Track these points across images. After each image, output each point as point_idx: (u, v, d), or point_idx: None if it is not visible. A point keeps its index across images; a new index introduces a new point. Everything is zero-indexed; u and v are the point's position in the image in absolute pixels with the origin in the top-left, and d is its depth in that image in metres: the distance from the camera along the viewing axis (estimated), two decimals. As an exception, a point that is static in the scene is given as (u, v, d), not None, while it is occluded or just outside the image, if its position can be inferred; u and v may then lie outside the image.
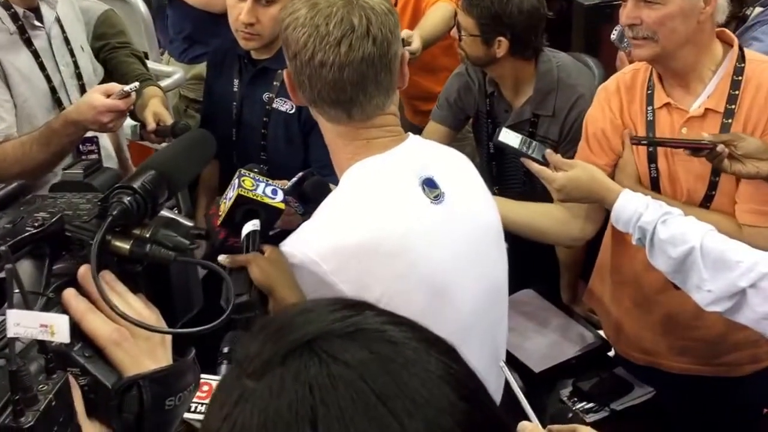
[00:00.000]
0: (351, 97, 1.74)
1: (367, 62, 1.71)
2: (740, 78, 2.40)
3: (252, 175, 1.86)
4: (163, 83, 3.59)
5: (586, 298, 3.07)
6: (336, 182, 1.92)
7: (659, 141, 2.47)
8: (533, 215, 2.71)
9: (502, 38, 2.97)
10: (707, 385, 2.73)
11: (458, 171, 1.97)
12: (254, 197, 1.82)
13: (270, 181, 1.87)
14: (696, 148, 2.33)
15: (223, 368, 1.63)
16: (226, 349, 1.62)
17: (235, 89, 3.01)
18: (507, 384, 1.76)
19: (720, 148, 2.28)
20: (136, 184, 1.22)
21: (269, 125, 2.89)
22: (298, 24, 1.72)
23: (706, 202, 2.47)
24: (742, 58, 2.43)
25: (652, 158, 2.51)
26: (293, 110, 2.83)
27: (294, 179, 1.96)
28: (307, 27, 1.71)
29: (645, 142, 2.47)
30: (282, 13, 1.80)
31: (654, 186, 2.52)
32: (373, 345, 0.83)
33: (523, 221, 2.65)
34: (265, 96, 2.90)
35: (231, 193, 1.84)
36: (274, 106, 2.88)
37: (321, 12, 1.70)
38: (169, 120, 2.94)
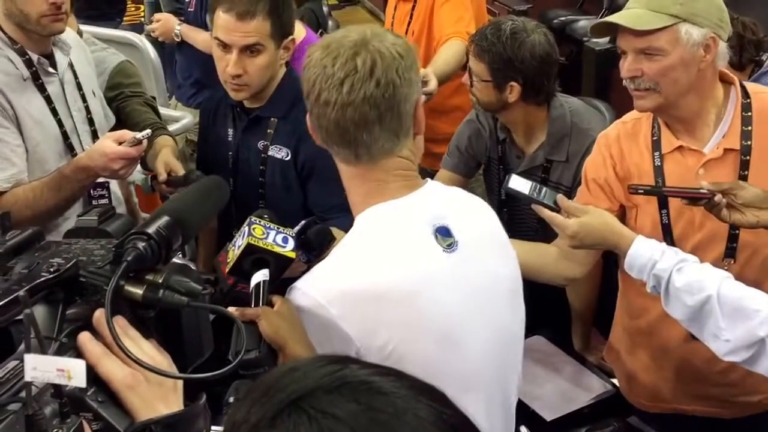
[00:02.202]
0: (355, 137, 1.76)
1: (369, 103, 1.73)
2: (749, 113, 2.41)
3: (263, 222, 1.82)
4: (172, 127, 3.61)
5: (606, 355, 3.01)
6: (341, 225, 1.90)
7: (656, 190, 2.45)
8: (527, 254, 2.68)
9: (514, 83, 2.96)
10: (726, 428, 2.69)
11: (476, 220, 1.96)
12: (265, 246, 1.77)
13: (281, 229, 1.83)
14: (694, 198, 2.32)
15: None
16: (231, 399, 1.60)
17: (230, 138, 3.00)
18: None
19: (718, 198, 2.26)
20: (151, 230, 1.24)
21: (266, 173, 2.89)
22: (311, 64, 1.78)
23: (730, 255, 2.43)
24: (745, 93, 2.44)
25: (663, 204, 2.49)
26: (289, 157, 2.83)
27: (297, 228, 1.92)
28: (316, 67, 1.76)
29: (642, 190, 2.44)
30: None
31: (666, 232, 2.49)
32: (361, 397, 0.82)
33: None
34: (260, 144, 2.89)
35: (240, 241, 1.80)
36: (269, 153, 2.87)
37: (330, 53, 1.76)
38: (180, 170, 2.93)
